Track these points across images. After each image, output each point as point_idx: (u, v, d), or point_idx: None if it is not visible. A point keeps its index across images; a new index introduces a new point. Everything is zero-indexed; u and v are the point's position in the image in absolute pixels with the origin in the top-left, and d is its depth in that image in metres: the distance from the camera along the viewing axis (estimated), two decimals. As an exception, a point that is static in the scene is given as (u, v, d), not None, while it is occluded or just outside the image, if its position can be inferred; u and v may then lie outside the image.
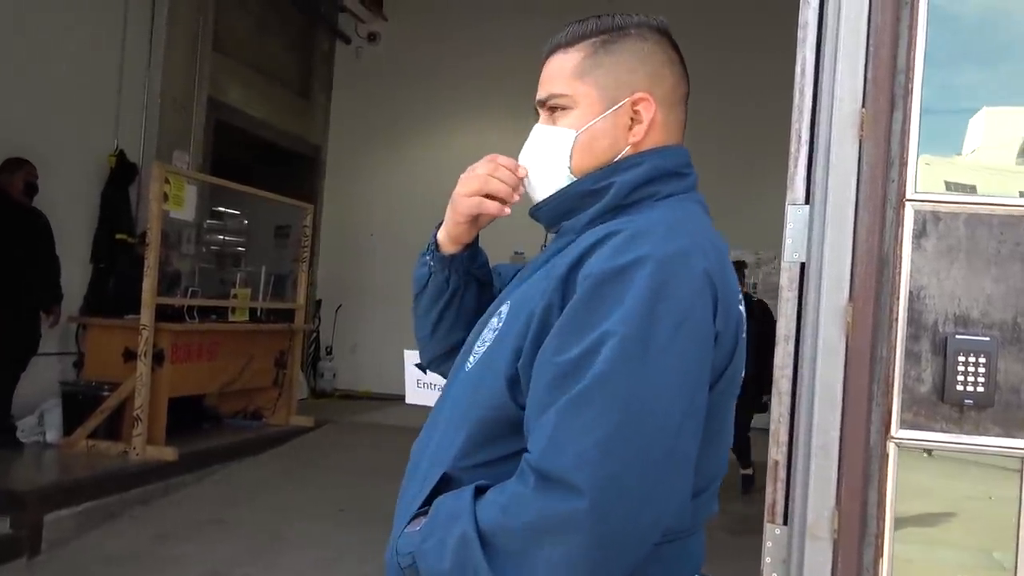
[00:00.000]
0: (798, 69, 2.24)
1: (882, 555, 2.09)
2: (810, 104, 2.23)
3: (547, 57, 1.50)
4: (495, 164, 1.51)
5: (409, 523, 1.34)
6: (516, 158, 1.54)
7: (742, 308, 1.36)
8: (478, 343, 1.42)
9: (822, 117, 2.12)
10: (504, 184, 1.49)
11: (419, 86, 11.31)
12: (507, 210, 1.50)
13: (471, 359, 1.41)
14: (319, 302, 11.47)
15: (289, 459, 7.70)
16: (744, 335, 1.36)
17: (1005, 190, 2.07)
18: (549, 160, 1.46)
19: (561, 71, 1.46)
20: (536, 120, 1.53)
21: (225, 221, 9.47)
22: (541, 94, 1.49)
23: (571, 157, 1.44)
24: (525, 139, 1.51)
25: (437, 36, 11.30)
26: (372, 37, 11.65)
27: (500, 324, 1.38)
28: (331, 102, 11.78)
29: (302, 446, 8.19)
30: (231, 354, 7.87)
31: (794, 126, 2.24)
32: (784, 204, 2.21)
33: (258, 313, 8.59)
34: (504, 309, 1.40)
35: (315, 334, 11.33)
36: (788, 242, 2.21)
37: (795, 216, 2.23)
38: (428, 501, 1.33)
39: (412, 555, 1.30)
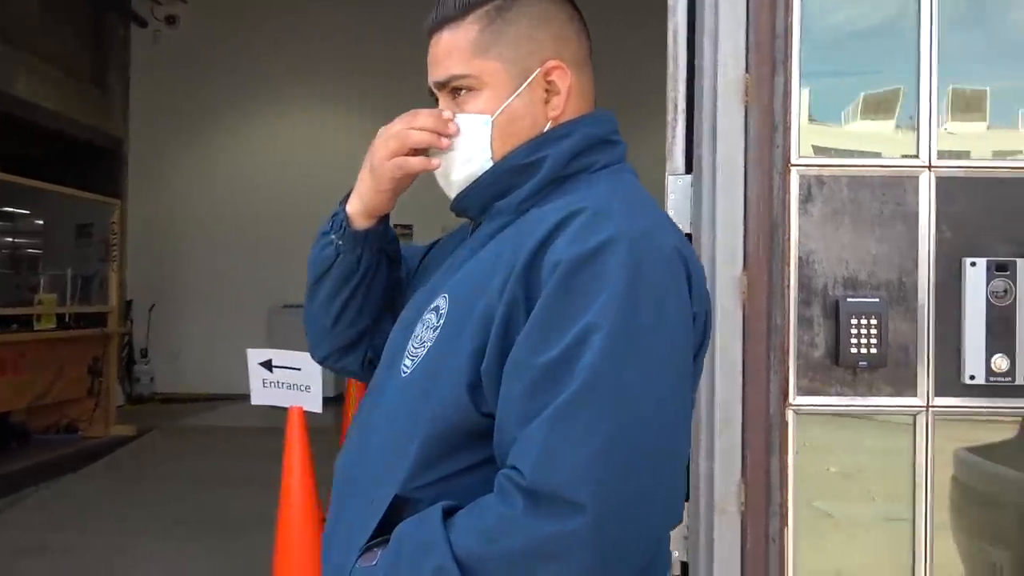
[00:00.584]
0: (670, 37, 2.18)
1: (787, 524, 2.07)
2: (684, 72, 2.18)
3: (433, 32, 1.31)
4: (413, 115, 1.31)
5: (361, 556, 1.17)
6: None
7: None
8: (412, 343, 1.25)
9: (705, 84, 2.07)
10: (426, 133, 1.30)
11: (224, 73, 10.77)
12: (435, 161, 1.30)
13: (407, 361, 1.24)
14: (129, 303, 10.80)
15: (113, 472, 7.19)
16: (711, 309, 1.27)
17: (886, 152, 2.08)
18: (467, 150, 1.28)
19: (457, 48, 1.27)
20: (431, 105, 1.33)
21: (16, 222, 8.71)
22: (438, 75, 1.30)
23: (491, 145, 1.27)
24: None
25: (241, 21, 10.78)
26: (171, 20, 10.98)
27: (440, 321, 1.21)
28: (130, 91, 11.05)
29: (126, 457, 7.67)
30: (39, 365, 7.26)
31: (669, 95, 2.19)
32: (658, 173, 2.15)
33: (66, 319, 7.96)
34: (442, 303, 1.23)
35: (128, 337, 10.66)
36: (670, 213, 2.15)
37: (676, 186, 2.18)
38: (380, 528, 1.17)
39: None
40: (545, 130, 1.27)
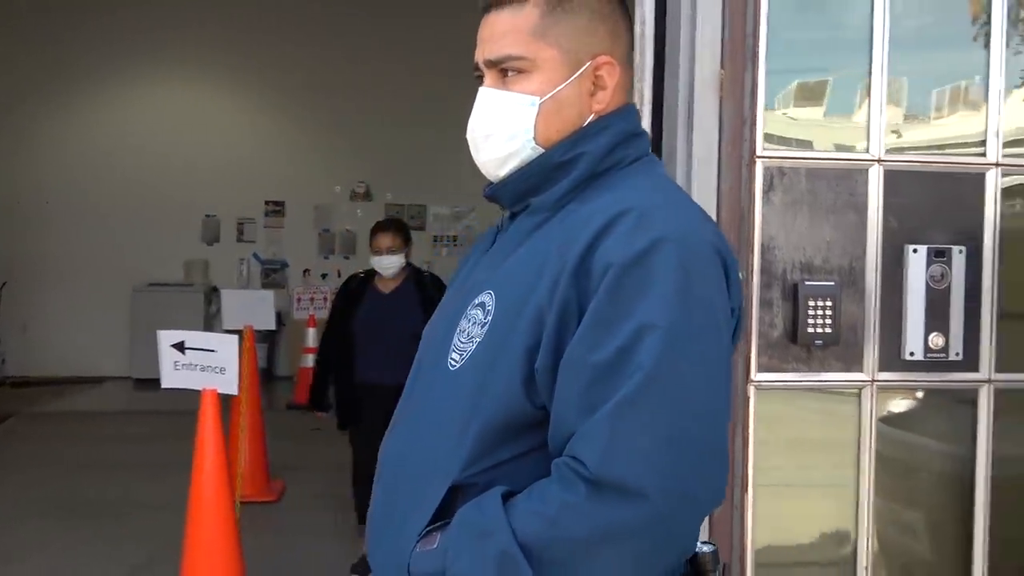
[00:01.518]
0: (638, 30, 2.27)
1: (747, 491, 2.22)
2: (651, 64, 2.28)
3: (490, 9, 1.33)
4: None
5: (420, 540, 1.21)
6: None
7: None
8: (459, 337, 1.28)
9: (680, 78, 2.17)
10: None
11: (84, 29, 10.17)
12: None
13: (455, 355, 1.28)
14: (-25, 281, 10.15)
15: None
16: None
17: (841, 146, 2.25)
18: (508, 130, 1.31)
19: (516, 29, 1.30)
20: (476, 83, 1.37)
21: None
22: (492, 53, 1.32)
23: (536, 127, 1.30)
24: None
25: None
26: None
27: (488, 318, 1.25)
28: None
29: (-12, 445, 7.25)
30: None
31: (636, 85, 2.28)
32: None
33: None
34: (487, 300, 1.27)
35: (-27, 318, 10.02)
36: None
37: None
38: (436, 515, 1.22)
39: None
40: (586, 124, 1.32)
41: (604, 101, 1.32)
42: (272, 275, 10.33)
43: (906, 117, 2.26)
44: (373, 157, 10.21)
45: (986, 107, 2.27)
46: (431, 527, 1.21)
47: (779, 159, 2.21)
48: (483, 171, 1.39)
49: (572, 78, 1.30)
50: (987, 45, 2.27)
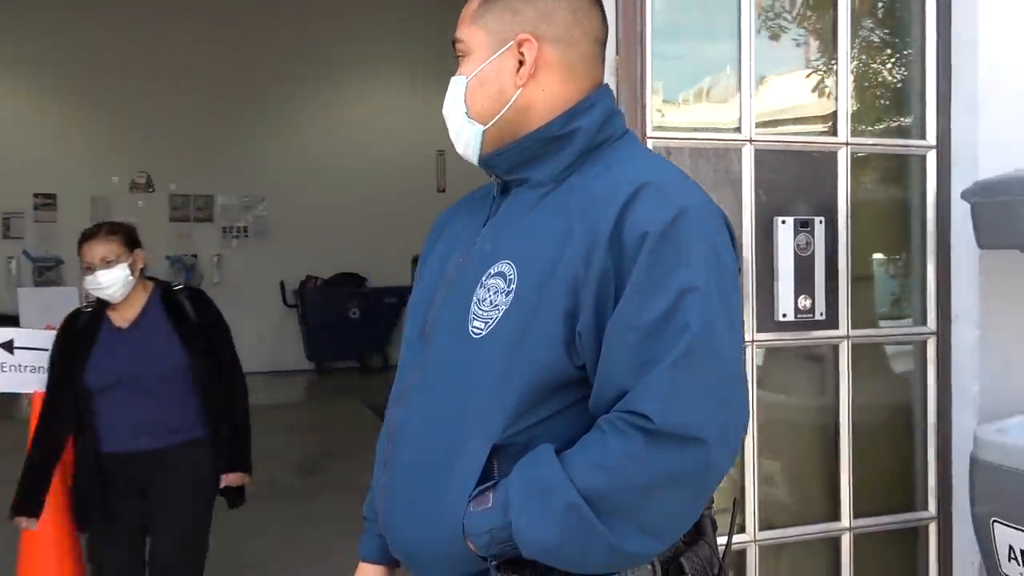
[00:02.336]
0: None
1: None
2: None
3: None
4: None
5: (472, 501, 1.26)
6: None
7: None
8: (480, 306, 1.33)
9: (578, 62, 2.28)
10: None
11: None
12: None
13: (477, 323, 1.32)
14: None
15: None
16: None
17: (719, 126, 2.44)
18: (453, 109, 1.44)
19: (464, 18, 1.44)
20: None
21: None
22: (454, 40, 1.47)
23: (466, 103, 1.42)
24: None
25: None
26: None
27: (512, 286, 1.31)
28: None
29: None
30: None
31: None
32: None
33: None
34: (507, 269, 1.32)
35: None
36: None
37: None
38: (483, 477, 1.27)
39: (490, 533, 1.24)
40: (515, 97, 1.39)
41: (525, 76, 1.39)
42: (45, 273, 9.63)
43: (772, 101, 2.49)
44: (154, 145, 9.73)
45: (835, 91, 2.53)
46: (481, 487, 1.26)
47: (666, 140, 2.36)
48: (467, 159, 1.47)
49: (494, 56, 1.40)
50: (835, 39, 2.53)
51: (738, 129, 2.43)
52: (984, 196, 2.30)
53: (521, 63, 1.39)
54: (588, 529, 1.19)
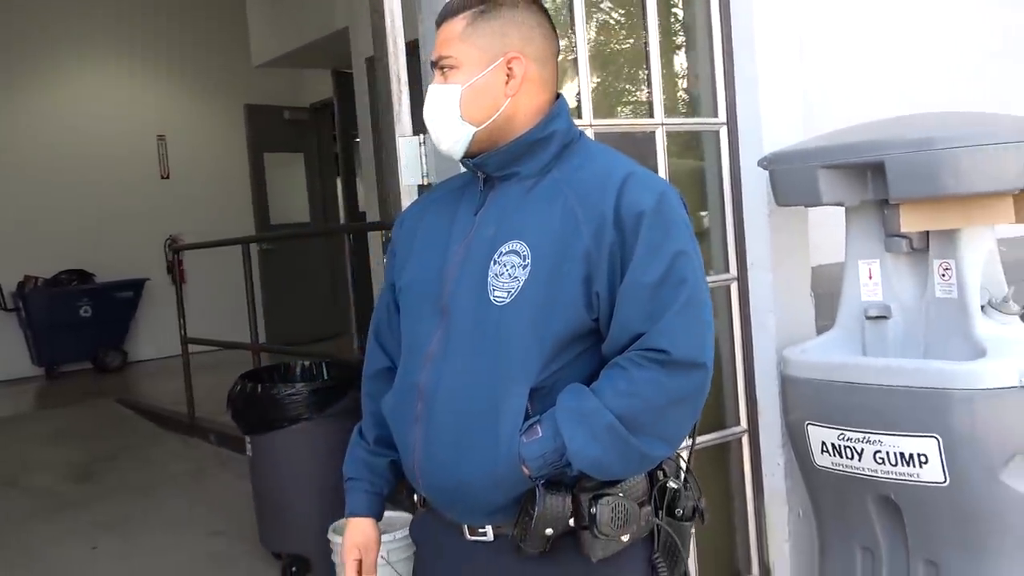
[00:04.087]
0: (388, 20, 2.59)
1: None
2: (403, 46, 2.62)
3: (439, 24, 1.75)
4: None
5: (523, 434, 1.57)
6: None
7: None
8: (499, 279, 1.63)
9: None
10: None
11: None
12: None
13: (499, 294, 1.62)
14: None
15: None
16: None
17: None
18: (445, 113, 1.73)
19: (450, 35, 1.73)
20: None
21: None
22: (434, 56, 1.75)
23: (460, 108, 1.72)
24: None
25: None
26: None
27: (527, 260, 1.62)
28: None
29: None
30: None
31: (392, 68, 2.60)
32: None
33: None
34: (519, 248, 1.64)
35: None
36: (404, 170, 2.59)
37: (408, 147, 2.61)
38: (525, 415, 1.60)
39: (543, 457, 1.56)
40: (504, 105, 1.71)
41: (515, 88, 1.72)
42: None
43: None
44: None
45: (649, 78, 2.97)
46: (528, 423, 1.58)
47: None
48: (449, 155, 1.77)
49: (487, 70, 1.71)
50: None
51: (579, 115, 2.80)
52: (778, 164, 2.82)
53: (509, 76, 1.70)
54: (624, 443, 1.56)
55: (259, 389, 4.02)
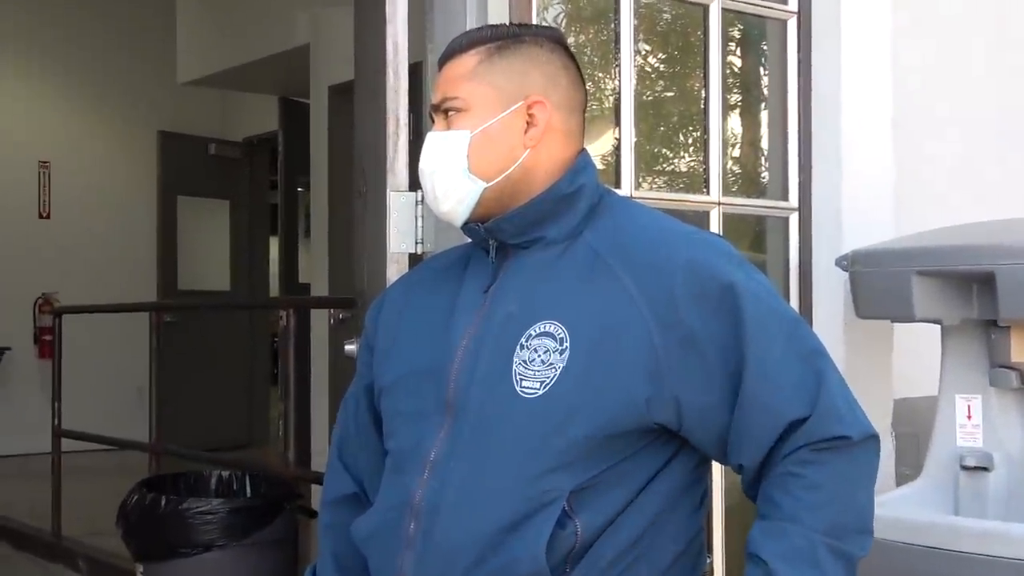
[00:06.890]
0: (389, 47, 2.77)
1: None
2: (406, 85, 2.78)
3: (443, 63, 1.87)
4: None
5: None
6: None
7: None
8: (529, 367, 1.73)
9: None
10: None
11: None
12: None
13: (529, 384, 1.72)
14: None
15: None
16: None
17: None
18: (448, 165, 1.82)
19: (456, 75, 1.83)
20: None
21: None
22: (435, 99, 1.86)
23: (468, 158, 1.80)
24: None
25: None
26: None
27: (565, 345, 1.72)
28: None
29: None
30: None
31: (390, 106, 2.77)
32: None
33: None
34: (554, 330, 1.73)
35: None
36: (395, 234, 2.71)
37: (399, 203, 2.74)
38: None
39: None
40: (522, 158, 1.82)
41: (536, 138, 1.83)
42: None
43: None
44: None
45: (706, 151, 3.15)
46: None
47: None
48: (449, 219, 1.87)
49: (503, 114, 1.82)
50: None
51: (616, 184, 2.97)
52: (862, 265, 2.96)
53: (529, 124, 1.81)
54: (844, 557, 1.69)
55: (163, 502, 4.04)
